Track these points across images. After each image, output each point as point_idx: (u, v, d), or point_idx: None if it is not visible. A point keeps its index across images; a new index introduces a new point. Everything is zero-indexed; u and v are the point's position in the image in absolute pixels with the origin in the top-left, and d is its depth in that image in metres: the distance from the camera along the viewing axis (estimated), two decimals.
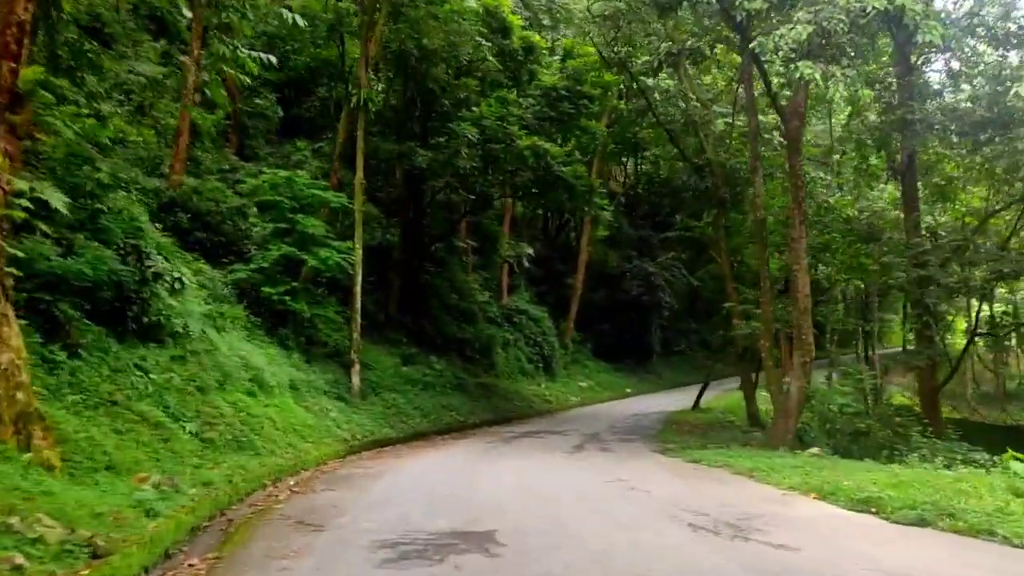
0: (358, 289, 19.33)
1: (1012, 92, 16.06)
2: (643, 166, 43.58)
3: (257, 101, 30.26)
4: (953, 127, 19.10)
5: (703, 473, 12.67)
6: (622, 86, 25.72)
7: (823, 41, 12.45)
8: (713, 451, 15.03)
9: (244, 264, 17.79)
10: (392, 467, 13.36)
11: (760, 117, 20.06)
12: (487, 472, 12.74)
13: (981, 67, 19.94)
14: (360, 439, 16.26)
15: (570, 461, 14.73)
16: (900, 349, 37.65)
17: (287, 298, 17.36)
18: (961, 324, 40.71)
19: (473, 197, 25.95)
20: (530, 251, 33.97)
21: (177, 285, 10.93)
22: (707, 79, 28.58)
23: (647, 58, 20.61)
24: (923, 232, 21.02)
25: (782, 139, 19.43)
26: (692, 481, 11.66)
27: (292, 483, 11.16)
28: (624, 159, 40.97)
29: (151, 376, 9.89)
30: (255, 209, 19.23)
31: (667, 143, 27.54)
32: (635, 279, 38.93)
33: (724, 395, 31.64)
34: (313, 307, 18.11)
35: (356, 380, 18.95)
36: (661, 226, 45.12)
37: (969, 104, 18.81)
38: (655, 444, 17.88)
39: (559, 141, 25.94)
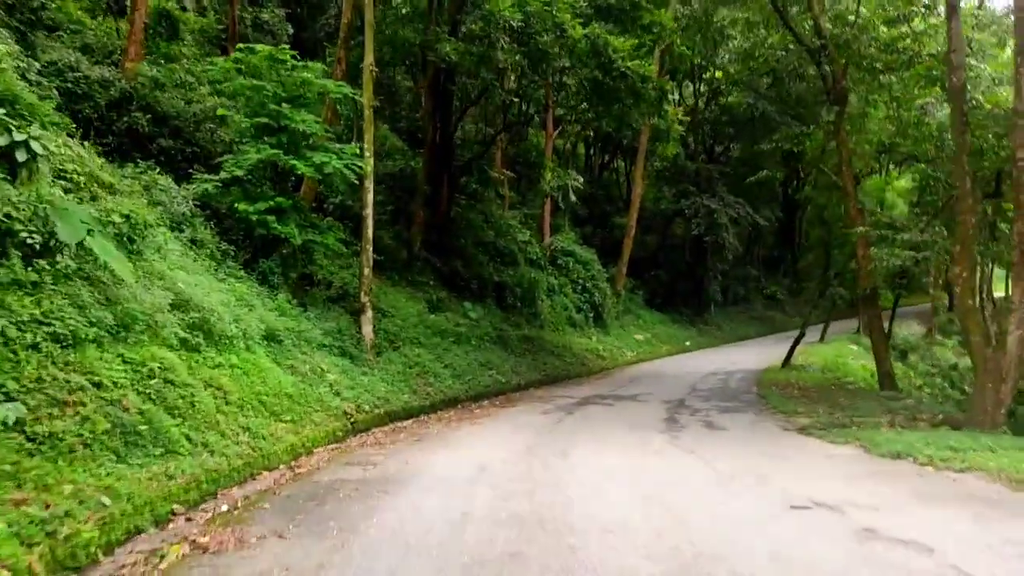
0: (369, 211, 14.53)
1: None
2: (704, 85, 37.77)
3: (262, 15, 25.50)
4: None
5: (939, 481, 7.73)
6: None
7: None
8: (891, 433, 10.15)
9: (213, 174, 13.06)
10: (411, 465, 8.65)
11: None
12: (568, 476, 8.02)
13: None
14: (368, 411, 11.65)
15: (679, 448, 9.96)
16: None
17: (270, 218, 12.60)
18: None
19: (514, 104, 20.76)
20: (579, 180, 28.86)
21: (25, 161, 6.14)
22: None
23: None
24: None
25: None
26: (957, 509, 6.60)
27: (215, 512, 6.48)
28: (696, 62, 35.03)
29: None
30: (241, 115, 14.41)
31: (752, 33, 21.88)
32: (695, 217, 33.65)
33: (809, 348, 26.52)
34: (308, 233, 13.31)
35: (367, 330, 14.30)
36: (718, 160, 39.73)
37: None
38: (775, 417, 13.06)
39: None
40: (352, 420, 10.90)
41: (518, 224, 28.15)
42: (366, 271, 14.46)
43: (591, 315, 28.30)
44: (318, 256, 15.20)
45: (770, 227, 42.78)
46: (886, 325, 35.16)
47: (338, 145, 13.67)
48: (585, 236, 32.99)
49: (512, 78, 22.05)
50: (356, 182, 13.59)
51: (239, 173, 12.69)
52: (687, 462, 8.94)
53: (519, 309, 23.98)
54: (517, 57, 18.54)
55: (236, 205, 12.59)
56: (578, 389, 18.32)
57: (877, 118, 20.38)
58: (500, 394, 17.01)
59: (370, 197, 14.54)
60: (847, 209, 17.19)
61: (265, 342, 10.59)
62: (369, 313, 14.43)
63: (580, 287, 28.52)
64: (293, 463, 8.47)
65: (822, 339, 31.63)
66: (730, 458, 9.03)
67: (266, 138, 13.10)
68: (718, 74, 35.96)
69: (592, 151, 42.81)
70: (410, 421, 12.48)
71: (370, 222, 14.57)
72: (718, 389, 17.92)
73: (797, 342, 23.21)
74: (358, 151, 13.74)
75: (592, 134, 37.10)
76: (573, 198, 29.15)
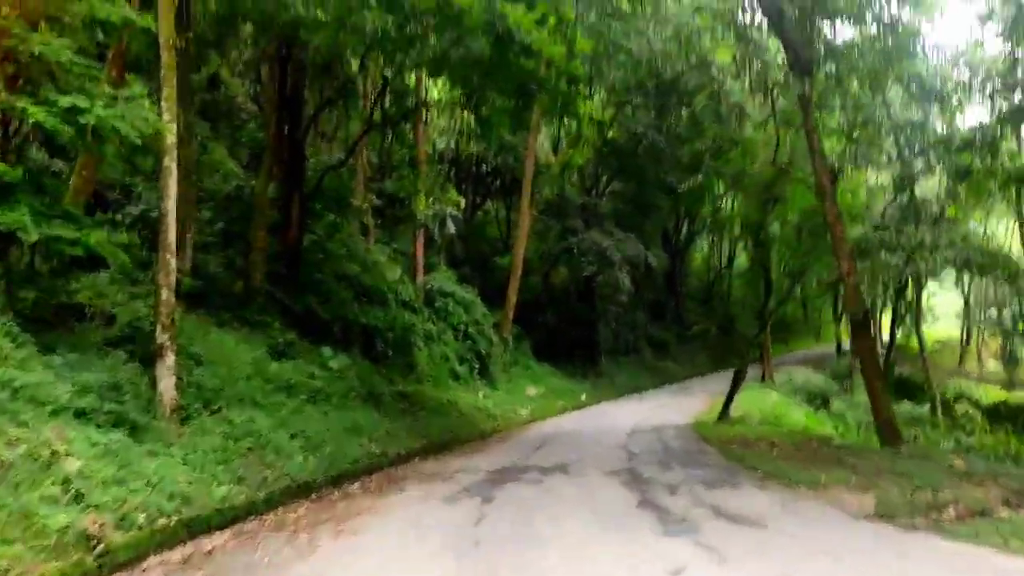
0: (171, 205, 9.52)
1: None
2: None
3: None
4: None
5: None
6: None
7: None
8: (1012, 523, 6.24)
9: None
10: None
11: None
12: None
13: None
14: (145, 525, 6.53)
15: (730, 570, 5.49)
16: None
17: None
18: None
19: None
20: (456, 207, 24.65)
21: None
22: None
23: None
24: None
25: None
26: None
27: None
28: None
29: None
30: None
31: None
32: (585, 255, 30.09)
33: (716, 398, 23.07)
34: (55, 226, 8.16)
35: (166, 386, 9.16)
36: (601, 195, 36.72)
37: None
38: (796, 492, 8.96)
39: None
40: (101, 549, 5.75)
41: (387, 259, 23.48)
42: (164, 295, 9.32)
43: (476, 366, 23.80)
44: (86, 280, 9.99)
45: (657, 270, 40.09)
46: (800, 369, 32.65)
47: (112, 90, 8.63)
48: (463, 278, 28.60)
49: (380, 64, 17.68)
50: (139, 142, 8.50)
51: None
52: None
53: (392, 359, 19.18)
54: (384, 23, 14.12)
55: None
56: (480, 458, 13.65)
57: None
58: (376, 471, 12.09)
59: (172, 184, 9.50)
60: (824, 213, 13.64)
61: None
62: (170, 359, 9.27)
63: (462, 333, 24.02)
64: None
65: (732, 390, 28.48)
66: None
67: None
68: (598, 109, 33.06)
69: (464, 187, 38.57)
70: (226, 536, 7.36)
71: (172, 221, 9.51)
72: (660, 450, 13.77)
73: (736, 389, 19.59)
74: (147, 101, 8.74)
75: (473, 164, 33.31)
76: (452, 228, 24.83)
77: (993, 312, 48.84)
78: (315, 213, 19.78)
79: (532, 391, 25.81)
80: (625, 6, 19.84)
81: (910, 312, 39.01)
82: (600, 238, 30.46)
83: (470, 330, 24.19)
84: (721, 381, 35.43)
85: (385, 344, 19.14)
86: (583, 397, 28.63)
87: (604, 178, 36.83)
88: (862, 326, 14.28)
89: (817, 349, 54.17)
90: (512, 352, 27.89)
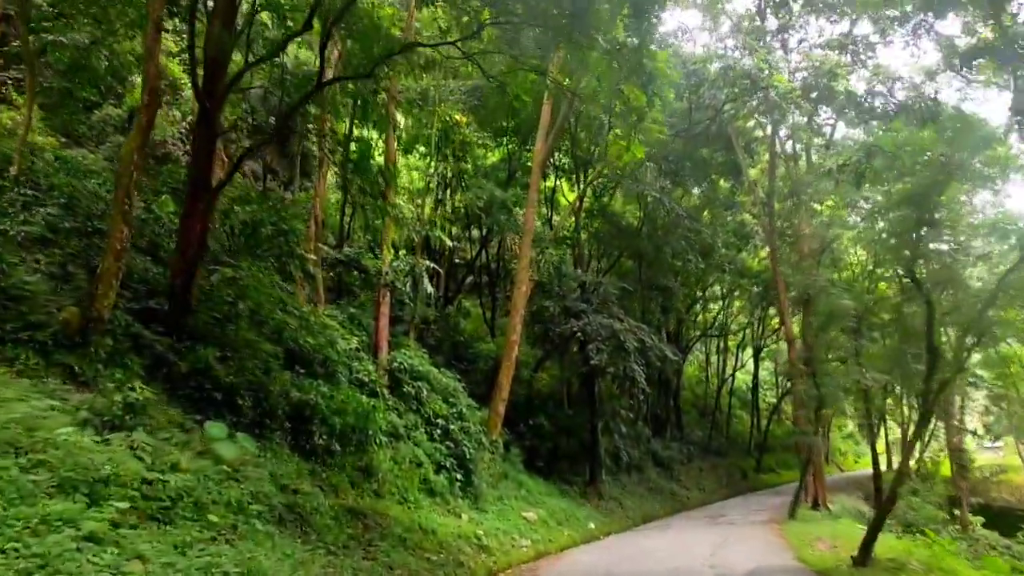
0: None
1: None
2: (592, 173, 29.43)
3: None
4: None
5: None
6: None
7: None
8: None
9: None
10: None
11: None
12: None
13: None
14: None
15: None
16: None
17: None
18: None
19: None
20: (428, 265, 18.56)
21: None
22: None
23: None
24: None
25: None
26: None
27: None
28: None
29: None
30: None
31: None
32: (593, 341, 23.87)
33: (796, 528, 16.38)
34: None
35: None
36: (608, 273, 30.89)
37: None
38: None
39: None
40: None
41: (339, 325, 17.09)
42: None
43: (459, 477, 16.98)
44: None
45: (671, 369, 33.95)
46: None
47: None
48: (438, 366, 21.98)
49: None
50: None
51: None
52: None
53: (338, 457, 12.49)
54: None
55: None
56: None
57: None
58: None
59: None
60: None
61: None
62: None
63: (441, 431, 17.37)
64: None
65: (791, 515, 21.82)
66: None
67: None
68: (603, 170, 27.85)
69: (434, 281, 32.33)
70: None
71: None
72: None
73: (880, 524, 12.85)
74: None
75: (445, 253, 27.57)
76: (429, 288, 18.58)
77: None
78: (234, 234, 13.64)
79: (530, 515, 18.91)
80: None
81: None
82: (610, 321, 24.41)
83: (451, 427, 17.54)
84: (742, 509, 28.93)
85: (329, 434, 12.51)
86: (591, 525, 21.71)
87: (606, 257, 31.25)
88: None
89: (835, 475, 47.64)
90: (501, 462, 21.08)
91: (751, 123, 31.05)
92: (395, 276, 18.05)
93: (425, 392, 17.60)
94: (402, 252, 19.62)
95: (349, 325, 18.15)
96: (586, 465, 27.08)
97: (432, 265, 19.12)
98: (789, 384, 49.05)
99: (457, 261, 31.52)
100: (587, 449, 27.37)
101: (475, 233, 31.24)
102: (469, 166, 23.96)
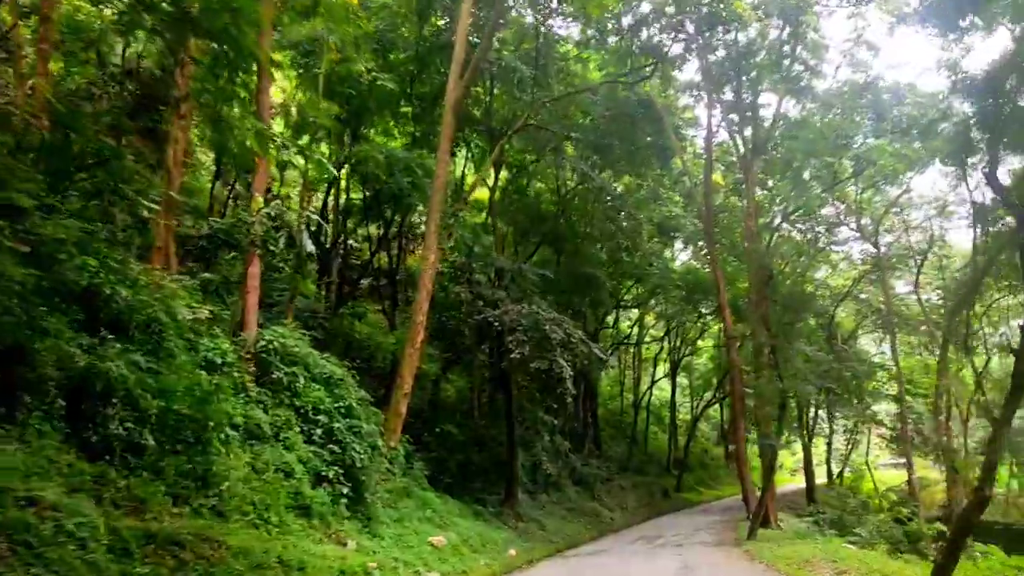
0: None
1: None
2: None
3: None
4: None
5: None
6: None
7: None
8: None
9: None
10: None
11: None
12: None
13: None
14: None
15: None
16: None
17: None
18: None
19: None
20: (308, 215, 14.44)
21: None
22: None
23: None
24: None
25: None
26: None
27: None
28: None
29: None
30: None
31: None
32: (513, 332, 20.09)
33: (759, 547, 13.06)
34: None
35: None
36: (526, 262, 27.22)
37: None
38: None
39: None
40: None
41: (186, 293, 12.64)
42: None
43: (345, 492, 12.78)
44: None
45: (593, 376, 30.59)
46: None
47: None
48: (319, 343, 17.41)
49: None
50: None
51: None
52: None
53: (152, 456, 8.20)
54: None
55: None
56: None
57: None
58: None
59: None
60: None
61: None
62: None
63: (322, 431, 13.15)
64: None
65: (750, 535, 18.51)
66: None
67: None
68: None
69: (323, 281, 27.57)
70: None
71: None
72: None
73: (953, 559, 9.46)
74: None
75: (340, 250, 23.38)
76: (310, 247, 14.39)
77: None
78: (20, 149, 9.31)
79: (437, 540, 14.85)
80: None
81: None
82: (532, 311, 20.72)
83: (336, 425, 13.33)
84: (678, 529, 25.73)
85: (140, 422, 8.21)
86: (512, 552, 17.81)
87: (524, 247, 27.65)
88: None
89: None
90: (400, 476, 16.91)
91: (682, 101, 28.44)
92: (266, 231, 13.80)
93: (302, 380, 13.34)
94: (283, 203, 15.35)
95: (204, 296, 13.73)
96: (501, 482, 23.22)
97: (314, 215, 14.92)
98: (717, 393, 47.06)
99: (353, 262, 27.33)
100: (502, 463, 23.54)
101: (373, 231, 27.24)
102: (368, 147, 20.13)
